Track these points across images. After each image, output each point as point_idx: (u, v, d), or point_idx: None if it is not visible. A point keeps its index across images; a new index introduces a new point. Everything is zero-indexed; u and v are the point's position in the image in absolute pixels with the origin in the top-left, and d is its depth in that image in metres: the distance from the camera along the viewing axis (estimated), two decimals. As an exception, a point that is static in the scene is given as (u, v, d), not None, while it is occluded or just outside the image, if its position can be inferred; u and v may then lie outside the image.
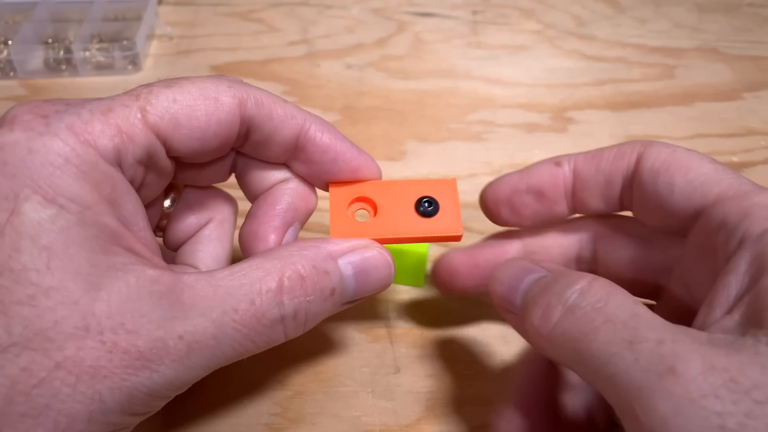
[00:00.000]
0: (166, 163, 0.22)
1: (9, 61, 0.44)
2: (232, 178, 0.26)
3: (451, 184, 0.25)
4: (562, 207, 0.25)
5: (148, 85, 0.21)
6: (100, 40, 0.46)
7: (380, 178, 0.26)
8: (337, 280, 0.22)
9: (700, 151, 0.23)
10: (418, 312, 0.31)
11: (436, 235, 0.25)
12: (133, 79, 0.45)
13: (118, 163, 0.20)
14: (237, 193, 0.27)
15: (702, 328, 0.19)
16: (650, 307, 0.20)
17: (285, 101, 0.24)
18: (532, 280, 0.22)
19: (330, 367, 0.29)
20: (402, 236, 0.24)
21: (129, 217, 0.21)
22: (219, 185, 0.27)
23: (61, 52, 0.45)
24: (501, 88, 0.46)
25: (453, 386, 0.28)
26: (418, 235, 0.24)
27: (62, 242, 0.18)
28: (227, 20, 0.51)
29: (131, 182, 0.21)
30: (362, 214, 0.25)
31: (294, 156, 0.24)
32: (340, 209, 0.25)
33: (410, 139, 0.41)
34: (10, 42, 0.45)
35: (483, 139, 0.41)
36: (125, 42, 0.45)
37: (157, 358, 0.19)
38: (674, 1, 0.55)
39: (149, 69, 0.46)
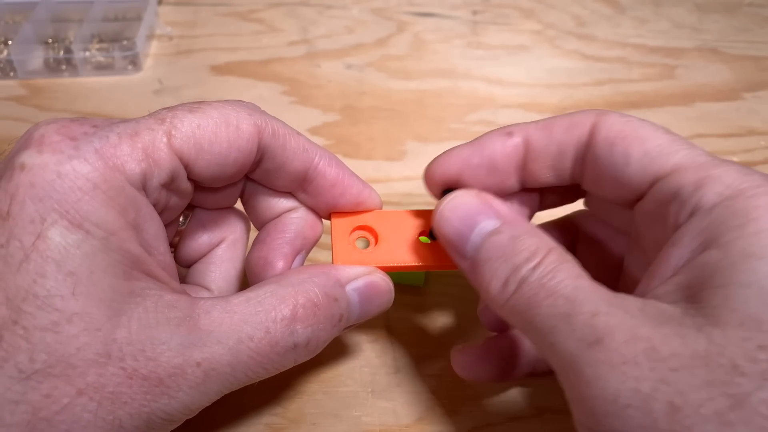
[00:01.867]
0: (186, 186, 0.22)
1: (9, 61, 0.44)
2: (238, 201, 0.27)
3: None
4: (512, 181, 0.24)
5: (171, 109, 0.21)
6: (100, 40, 0.46)
7: (381, 208, 0.26)
8: (344, 306, 0.23)
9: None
10: (418, 312, 0.31)
11: (434, 264, 0.25)
12: (133, 79, 0.45)
13: (144, 187, 0.20)
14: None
15: (641, 296, 0.19)
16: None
17: (298, 133, 0.24)
18: (484, 232, 0.21)
19: (330, 367, 0.29)
20: (401, 264, 0.25)
21: (150, 241, 0.21)
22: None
23: (61, 52, 0.45)
24: (501, 88, 0.46)
25: (453, 386, 0.28)
26: (416, 264, 0.25)
27: (87, 268, 0.18)
28: (227, 20, 0.51)
29: (154, 206, 0.21)
30: (363, 242, 0.26)
31: (301, 187, 0.25)
32: (342, 238, 0.25)
33: (410, 139, 0.41)
34: (10, 42, 0.45)
35: (483, 139, 0.41)
36: (125, 42, 0.45)
37: (176, 384, 0.19)
38: (674, 1, 0.55)
39: (149, 69, 0.46)
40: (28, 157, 0.19)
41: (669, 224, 0.20)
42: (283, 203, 0.26)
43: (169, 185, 0.22)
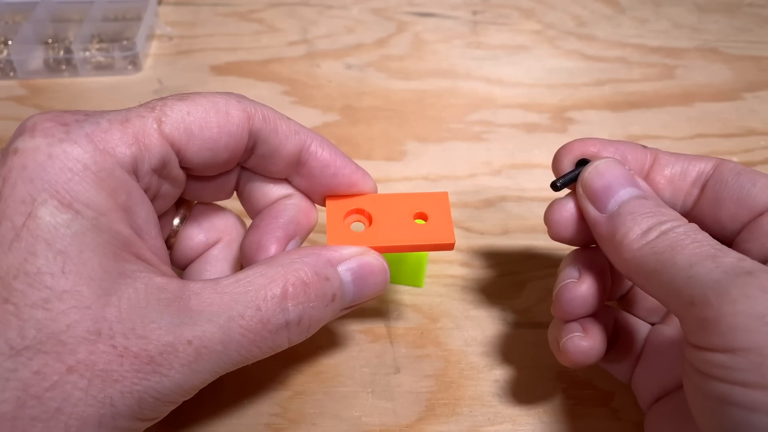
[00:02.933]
0: (179, 173, 0.23)
1: (9, 61, 0.44)
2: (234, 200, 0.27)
3: (442, 196, 0.27)
4: None
5: (162, 99, 0.22)
6: (100, 40, 0.46)
7: (376, 192, 0.27)
8: (337, 285, 0.23)
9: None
10: (418, 312, 0.31)
11: (429, 243, 0.25)
12: (133, 79, 0.45)
13: (135, 171, 0.21)
14: (233, 205, 0.27)
15: None
16: None
17: (289, 118, 0.24)
18: (632, 194, 0.23)
19: (330, 367, 0.29)
20: (396, 245, 0.25)
21: (141, 225, 0.21)
22: (227, 205, 0.27)
23: (61, 52, 0.45)
24: (501, 88, 0.46)
25: (453, 386, 0.28)
26: (411, 244, 0.25)
27: (76, 247, 0.18)
28: (227, 20, 0.51)
29: (146, 191, 0.21)
30: (358, 225, 0.26)
31: (296, 170, 0.25)
32: (336, 220, 0.26)
33: (410, 139, 0.41)
34: (10, 42, 0.45)
35: (483, 139, 0.41)
36: (125, 42, 0.45)
37: (167, 362, 0.19)
38: (674, 1, 0.55)
39: (149, 69, 0.46)
40: (22, 142, 0.19)
41: None
42: (278, 190, 0.26)
43: (161, 171, 0.22)
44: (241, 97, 0.23)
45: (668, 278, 0.20)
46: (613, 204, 0.23)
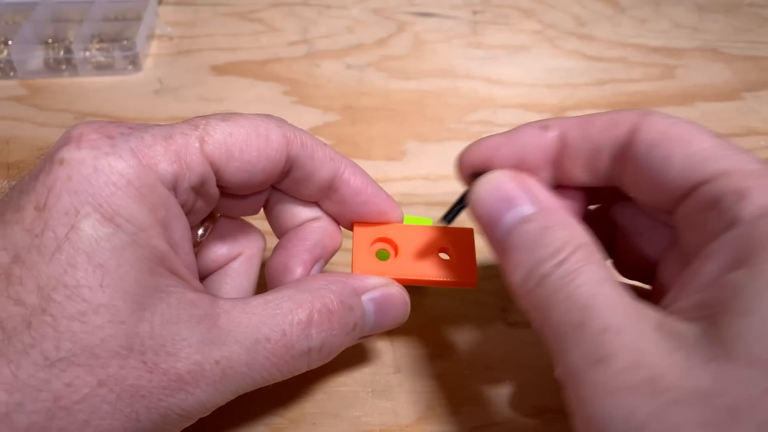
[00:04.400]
0: (214, 191, 0.23)
1: (9, 61, 0.44)
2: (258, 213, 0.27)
3: (468, 233, 0.27)
4: (544, 176, 0.23)
5: (205, 117, 0.22)
6: (100, 40, 0.46)
7: (401, 220, 0.27)
8: (359, 315, 0.23)
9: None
10: (418, 312, 0.31)
11: (451, 280, 0.25)
12: (133, 79, 0.45)
13: (174, 187, 0.21)
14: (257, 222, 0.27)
15: (667, 306, 0.19)
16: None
17: (325, 144, 0.25)
18: (516, 218, 0.21)
19: (330, 367, 0.29)
20: (419, 278, 0.25)
21: (177, 240, 0.21)
22: (251, 220, 0.28)
23: (61, 52, 0.45)
24: (501, 88, 0.46)
25: (453, 386, 0.28)
26: (434, 279, 0.25)
27: (115, 261, 0.19)
28: (227, 20, 0.51)
29: (182, 207, 0.22)
30: (383, 254, 0.26)
31: (326, 195, 0.25)
32: (363, 248, 0.26)
33: (410, 139, 0.41)
34: (10, 42, 0.45)
35: (483, 139, 0.41)
36: (125, 42, 0.45)
37: (194, 381, 0.19)
38: (674, 1, 0.55)
39: (149, 69, 0.46)
40: (67, 152, 0.19)
41: (706, 234, 0.19)
42: (306, 213, 0.26)
43: (198, 189, 0.22)
44: (281, 122, 0.23)
45: (549, 342, 0.19)
46: (500, 233, 0.21)
